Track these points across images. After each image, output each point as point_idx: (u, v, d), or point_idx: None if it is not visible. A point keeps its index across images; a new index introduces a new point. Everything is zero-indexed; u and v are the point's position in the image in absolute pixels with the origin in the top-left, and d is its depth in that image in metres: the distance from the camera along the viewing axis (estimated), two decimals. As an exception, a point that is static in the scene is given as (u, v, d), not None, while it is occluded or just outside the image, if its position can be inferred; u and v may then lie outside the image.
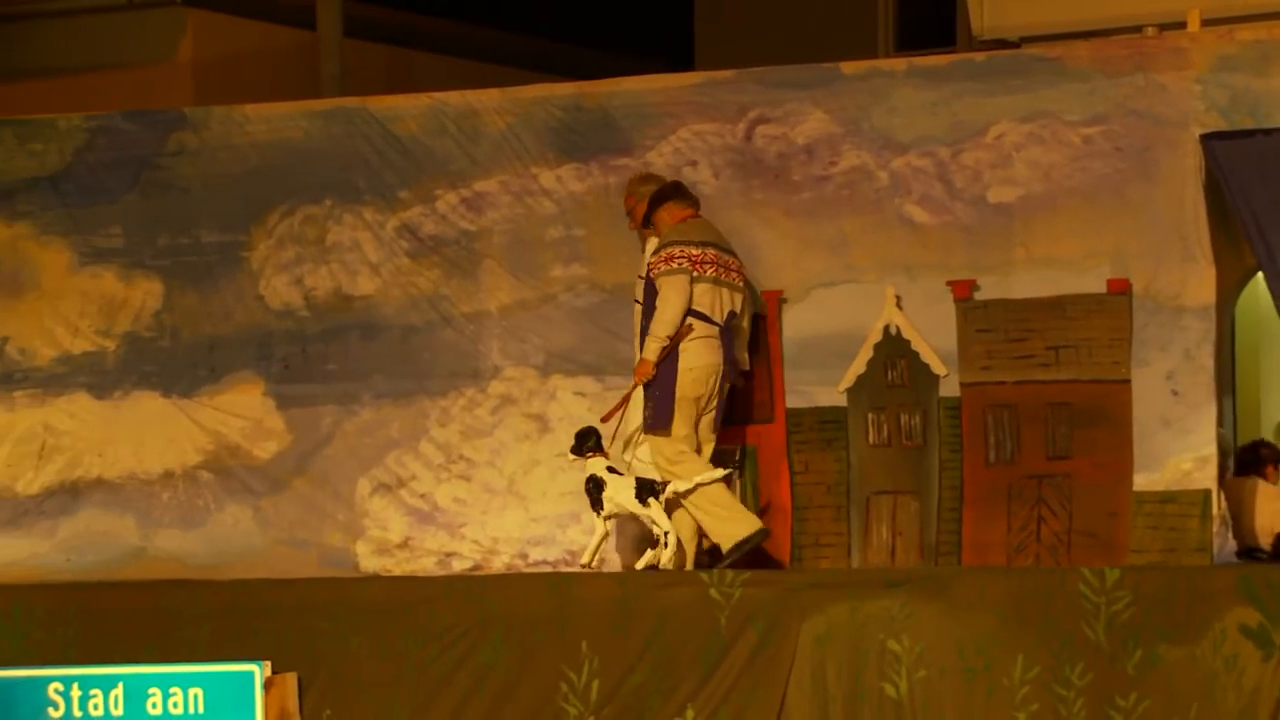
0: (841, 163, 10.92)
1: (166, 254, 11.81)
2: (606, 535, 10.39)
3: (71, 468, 11.83)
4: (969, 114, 10.76)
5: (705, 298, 10.42)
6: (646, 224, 10.66)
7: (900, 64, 11.13)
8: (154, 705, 9.68)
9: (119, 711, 9.69)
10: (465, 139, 11.43)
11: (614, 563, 10.81)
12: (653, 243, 10.57)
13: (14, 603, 10.09)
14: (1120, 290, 10.47)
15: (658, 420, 10.35)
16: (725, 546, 10.22)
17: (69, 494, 11.80)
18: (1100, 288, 10.52)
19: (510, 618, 9.69)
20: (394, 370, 11.46)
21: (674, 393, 10.36)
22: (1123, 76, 10.56)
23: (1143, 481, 10.34)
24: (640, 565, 10.29)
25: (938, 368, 10.71)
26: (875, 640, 9.28)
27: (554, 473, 11.14)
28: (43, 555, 11.47)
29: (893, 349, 10.77)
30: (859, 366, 10.81)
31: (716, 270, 10.43)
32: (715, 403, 10.50)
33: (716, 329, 10.45)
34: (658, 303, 10.36)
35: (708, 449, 10.54)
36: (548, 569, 11.05)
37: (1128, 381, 10.43)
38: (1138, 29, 13.08)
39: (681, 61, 17.33)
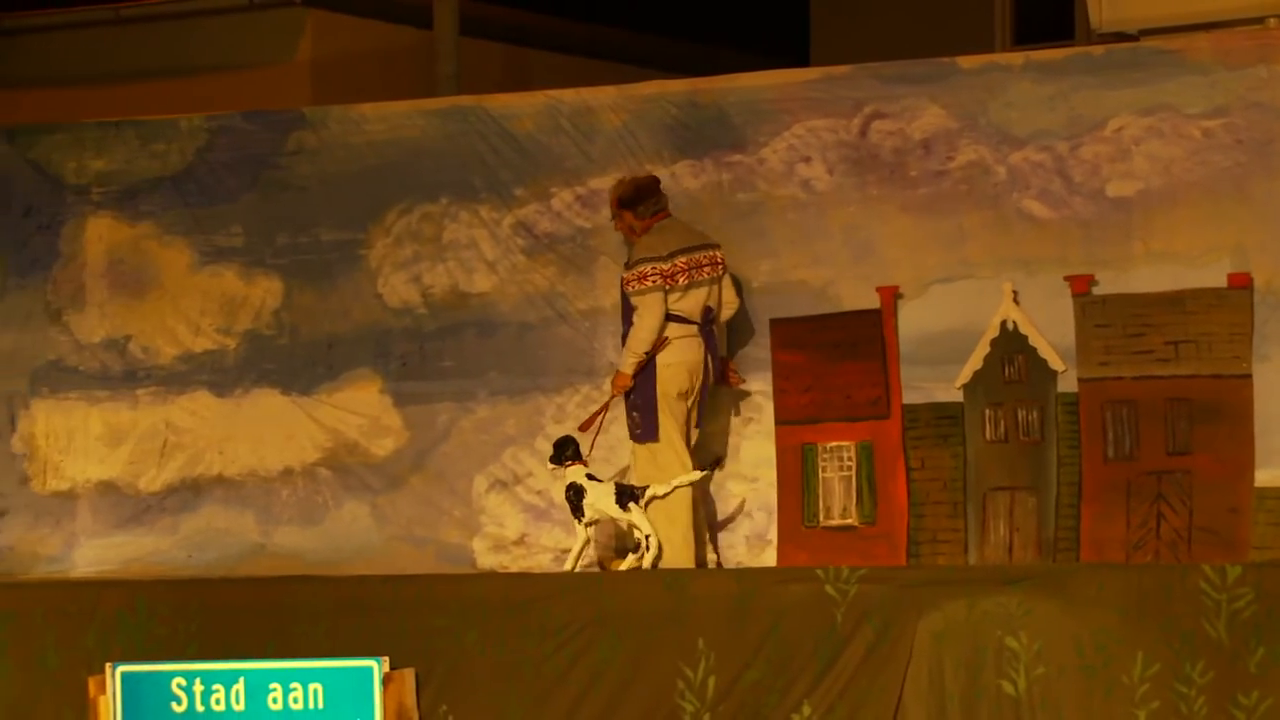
0: (958, 158, 10.86)
1: (285, 253, 11.91)
2: (589, 541, 10.62)
3: (193, 465, 11.94)
4: (1087, 108, 10.68)
5: (681, 303, 10.66)
6: (618, 223, 10.89)
7: (1017, 58, 11.06)
8: (274, 700, 9.74)
9: (240, 706, 9.76)
10: (580, 136, 11.45)
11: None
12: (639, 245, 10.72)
13: (137, 598, 10.18)
14: (1241, 285, 10.36)
15: (646, 431, 10.63)
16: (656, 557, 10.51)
17: (190, 491, 11.92)
18: (1220, 282, 10.41)
19: (626, 614, 9.68)
20: (510, 367, 11.50)
21: (656, 398, 10.56)
22: (1244, 69, 10.44)
23: (1264, 478, 10.23)
24: (623, 568, 10.52)
25: (1056, 363, 10.63)
26: (993, 637, 9.22)
27: (668, 469, 11.12)
28: (165, 551, 11.60)
29: (1010, 345, 10.70)
30: (976, 362, 10.75)
31: (688, 275, 10.67)
32: (697, 400, 10.68)
33: (695, 327, 10.66)
34: (634, 319, 10.64)
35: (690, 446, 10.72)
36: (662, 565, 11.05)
37: (1248, 377, 10.32)
38: (1260, 20, 12.92)
39: (797, 57, 17.28)
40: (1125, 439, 10.48)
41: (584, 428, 10.79)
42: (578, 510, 10.54)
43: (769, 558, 11.00)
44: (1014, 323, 10.70)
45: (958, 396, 10.76)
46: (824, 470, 10.94)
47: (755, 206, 11.18)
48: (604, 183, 11.34)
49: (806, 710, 9.37)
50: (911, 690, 9.29)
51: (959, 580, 9.47)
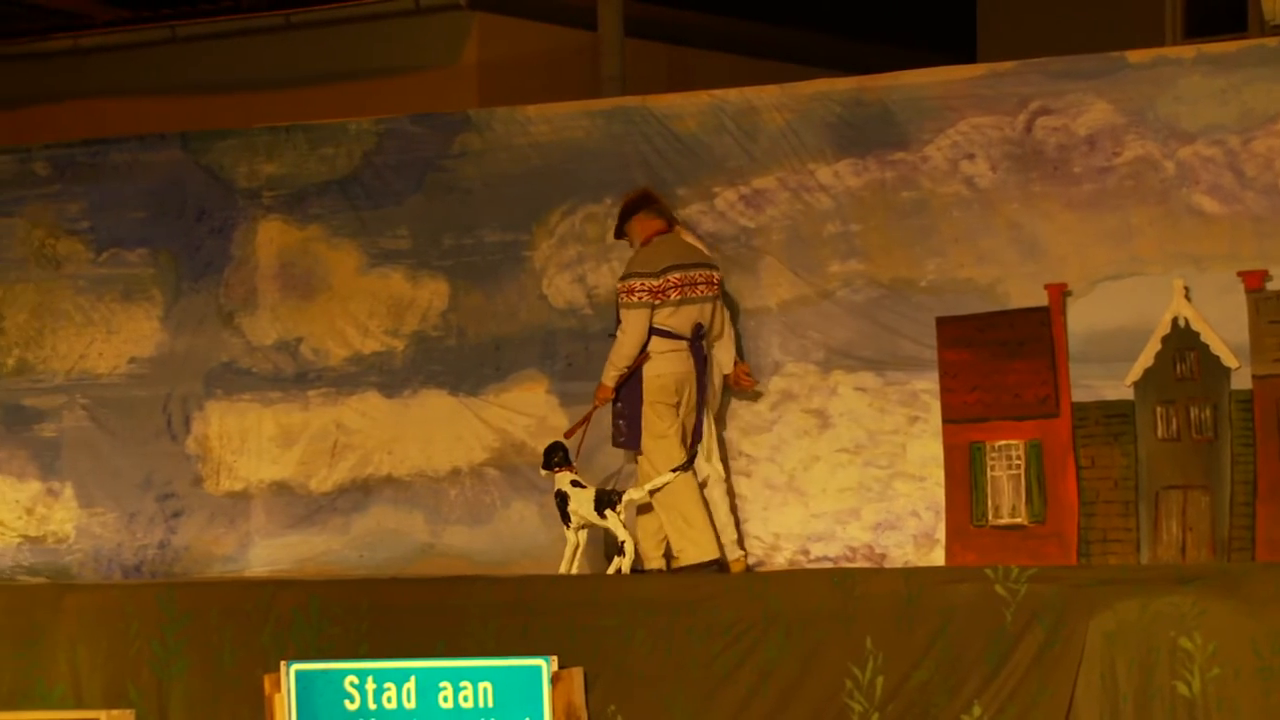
0: (1125, 153, 10.74)
1: (451, 254, 11.99)
2: (579, 546, 10.79)
3: (362, 465, 12.06)
4: (1260, 101, 10.51)
5: (671, 318, 10.81)
6: (619, 234, 11.05)
7: (1189, 51, 10.91)
8: (445, 699, 9.81)
9: (411, 704, 9.83)
10: (744, 136, 11.44)
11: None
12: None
13: (310, 598, 10.29)
14: None
15: (629, 438, 10.80)
16: (679, 562, 10.69)
17: (360, 491, 12.03)
18: (1397, 276, 10.24)
19: (793, 614, 9.66)
20: (675, 367, 11.50)
21: (640, 408, 10.72)
22: None
23: None
24: (610, 571, 10.64)
25: (1229, 360, 10.48)
26: (1166, 638, 9.10)
27: (834, 469, 11.11)
28: (336, 551, 11.71)
29: (1182, 341, 10.57)
30: (1146, 360, 10.63)
31: (679, 292, 10.81)
32: (693, 409, 10.82)
33: (684, 343, 10.81)
34: (618, 333, 10.81)
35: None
36: (829, 565, 11.02)
37: None
38: None
39: (964, 54, 17.15)
40: (1301, 437, 10.32)
41: (568, 435, 10.99)
42: (565, 516, 10.80)
43: (937, 557, 10.94)
44: (1185, 319, 10.56)
45: (1128, 394, 10.64)
46: (992, 469, 10.86)
47: (919, 205, 11.11)
48: (767, 182, 11.33)
49: (976, 711, 9.31)
50: (1083, 691, 9.20)
51: (1131, 580, 9.36)
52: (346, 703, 9.87)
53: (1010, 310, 10.91)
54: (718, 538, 10.86)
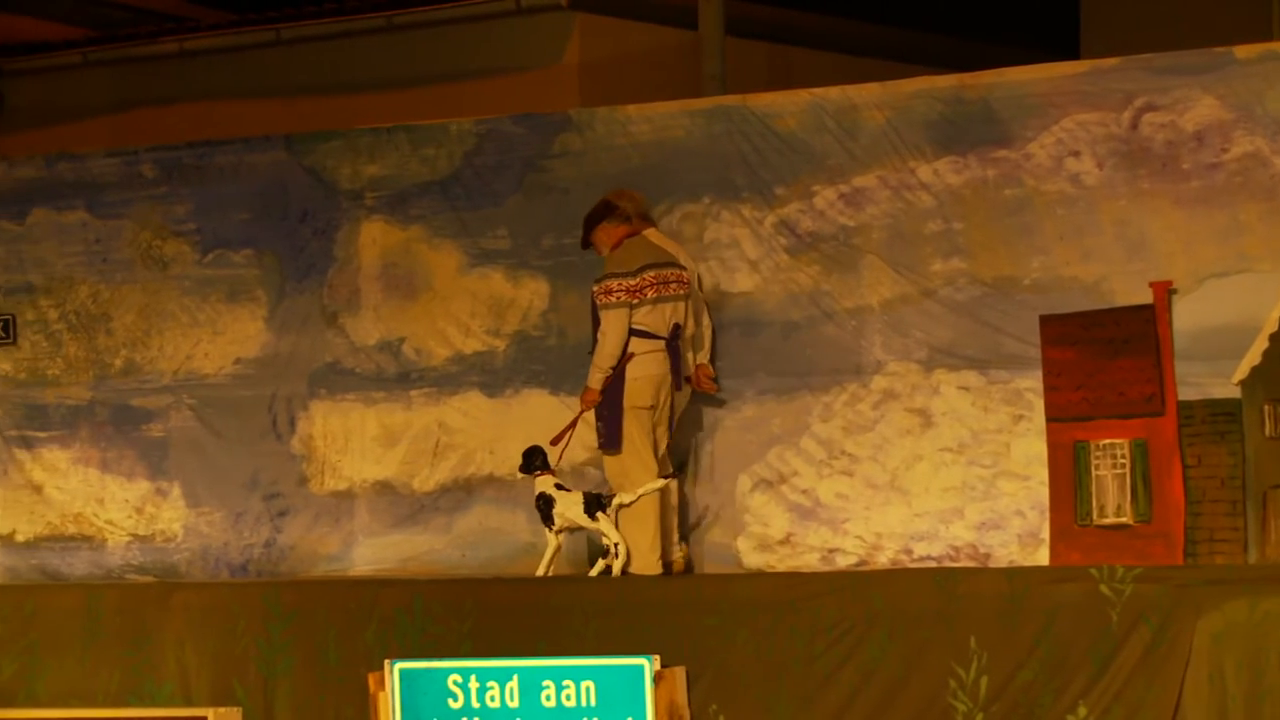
0: (1233, 150, 10.64)
1: (550, 254, 12.01)
2: (559, 548, 10.91)
3: (464, 465, 12.10)
4: (1371, 95, 10.41)
5: (648, 318, 10.93)
6: (585, 245, 11.19)
7: (1296, 46, 10.82)
8: (548, 697, 9.83)
9: (514, 703, 9.86)
10: (844, 134, 11.40)
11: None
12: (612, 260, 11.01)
13: (413, 597, 10.34)
14: None
15: (610, 440, 10.92)
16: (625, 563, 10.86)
17: (463, 490, 12.08)
18: None
19: (896, 613, 9.62)
20: (776, 366, 11.49)
21: (622, 409, 10.82)
22: None
23: None
24: (594, 573, 10.75)
25: (1338, 358, 10.37)
26: (1275, 638, 9.02)
27: (937, 468, 11.06)
28: (439, 550, 11.76)
29: (1290, 339, 10.46)
30: (1254, 357, 10.52)
31: (655, 290, 10.93)
32: (665, 412, 10.95)
33: (661, 342, 10.92)
34: (599, 335, 10.90)
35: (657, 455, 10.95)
36: (932, 564, 10.98)
37: None
38: None
39: (1066, 50, 17.04)
40: None
41: (554, 442, 11.10)
42: (548, 519, 10.91)
43: (1042, 556, 10.88)
44: (1293, 316, 10.47)
45: (1235, 393, 10.54)
46: (1097, 468, 10.78)
47: (1022, 203, 11.05)
48: (868, 181, 11.30)
49: (1082, 711, 9.25)
50: (1191, 692, 9.12)
51: (1239, 580, 9.28)
52: (450, 701, 9.91)
53: (1115, 308, 10.83)
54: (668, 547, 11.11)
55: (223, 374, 12.59)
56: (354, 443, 12.31)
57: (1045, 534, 10.89)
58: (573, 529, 10.97)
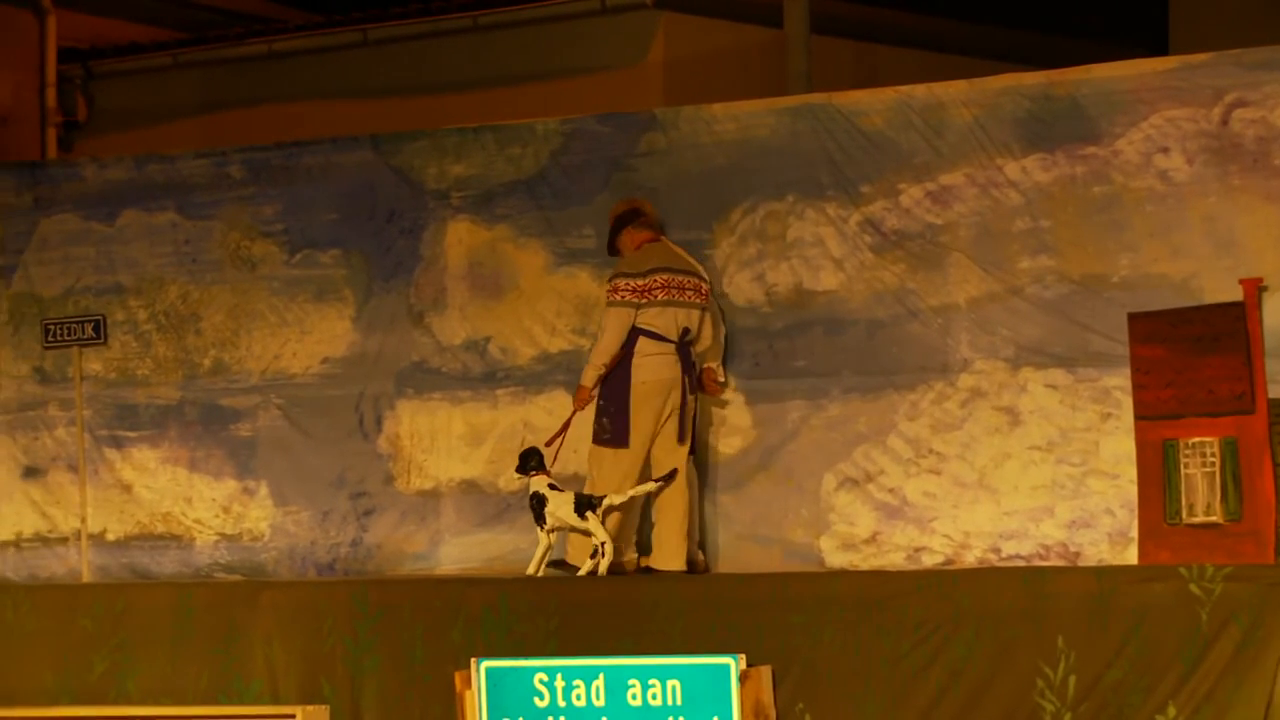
0: (1324, 145, 10.56)
1: (636, 253, 12.02)
2: (550, 547, 11.01)
3: (550, 464, 12.11)
4: None
5: (657, 319, 10.99)
6: (611, 250, 11.24)
7: (1388, 39, 10.71)
8: (633, 696, 9.85)
9: (600, 702, 9.88)
10: (930, 132, 11.36)
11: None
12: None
13: (499, 596, 10.38)
14: None
15: (615, 436, 10.99)
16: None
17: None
18: None
19: (984, 613, 9.59)
20: (862, 365, 11.45)
21: (629, 407, 10.87)
22: None
23: None
24: (582, 572, 10.79)
25: None
26: (1367, 638, 8.95)
27: (1025, 466, 11.01)
28: (524, 550, 11.76)
29: (1382, 336, 10.36)
30: (1346, 355, 10.44)
31: (667, 293, 11.01)
32: (675, 416, 10.96)
33: (671, 345, 10.96)
34: (599, 332, 10.96)
35: (671, 460, 11.00)
36: (1021, 563, 10.92)
37: None
38: None
39: (1155, 46, 16.92)
40: None
41: (550, 444, 11.21)
42: (540, 518, 11.02)
43: (1130, 555, 10.81)
44: (1385, 314, 10.36)
45: (1327, 391, 10.45)
46: (1186, 466, 10.70)
47: (1110, 200, 10.98)
48: (954, 178, 11.26)
49: (1172, 711, 9.20)
50: (1283, 692, 9.06)
51: (1330, 580, 9.20)
52: (536, 700, 9.94)
53: (1205, 305, 10.75)
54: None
55: (310, 373, 12.65)
56: (440, 442, 12.35)
57: (1134, 533, 10.82)
58: (563, 528, 11.08)
